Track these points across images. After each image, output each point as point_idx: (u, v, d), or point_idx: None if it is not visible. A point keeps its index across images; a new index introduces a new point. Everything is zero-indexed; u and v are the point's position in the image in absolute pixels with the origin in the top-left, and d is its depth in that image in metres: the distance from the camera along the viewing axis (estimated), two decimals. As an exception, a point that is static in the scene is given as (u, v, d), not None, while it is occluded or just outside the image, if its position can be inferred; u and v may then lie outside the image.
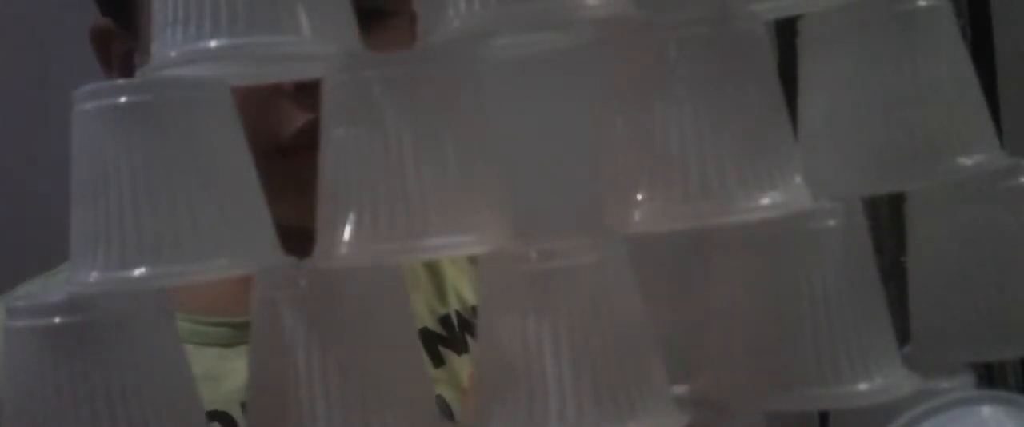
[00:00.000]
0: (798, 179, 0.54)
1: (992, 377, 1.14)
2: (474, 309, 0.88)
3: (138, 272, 0.49)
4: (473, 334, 0.86)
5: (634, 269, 0.53)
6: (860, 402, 0.55)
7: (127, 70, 0.80)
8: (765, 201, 0.52)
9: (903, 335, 0.62)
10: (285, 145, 0.72)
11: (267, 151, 0.64)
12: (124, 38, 0.81)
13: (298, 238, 0.55)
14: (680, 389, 0.58)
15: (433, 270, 0.89)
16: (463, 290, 0.90)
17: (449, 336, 0.87)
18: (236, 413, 0.75)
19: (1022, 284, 0.61)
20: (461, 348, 0.86)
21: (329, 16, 0.52)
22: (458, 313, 0.88)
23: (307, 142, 0.70)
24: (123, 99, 0.50)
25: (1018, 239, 0.61)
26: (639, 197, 0.53)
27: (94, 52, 0.83)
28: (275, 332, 0.53)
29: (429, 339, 0.85)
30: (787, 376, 0.56)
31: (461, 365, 0.85)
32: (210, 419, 0.73)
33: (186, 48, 0.50)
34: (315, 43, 0.51)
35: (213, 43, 0.49)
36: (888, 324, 0.57)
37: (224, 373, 0.75)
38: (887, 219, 1.02)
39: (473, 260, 0.73)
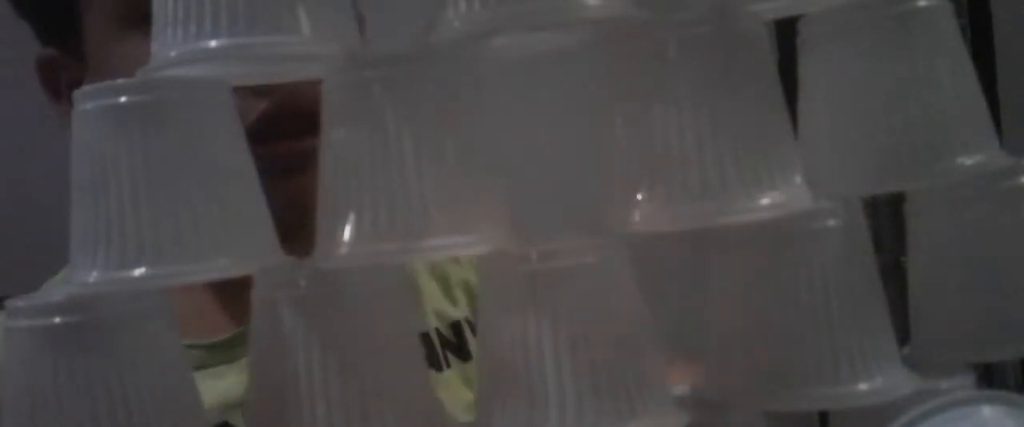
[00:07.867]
0: (798, 179, 0.54)
1: (992, 377, 1.15)
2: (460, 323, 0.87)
3: (138, 272, 0.49)
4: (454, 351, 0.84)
5: (634, 269, 0.53)
6: (860, 402, 0.55)
7: None
8: (765, 201, 0.52)
9: (903, 335, 0.62)
10: (250, 136, 0.68)
11: None
12: (72, 67, 0.78)
13: (283, 229, 0.54)
14: (680, 389, 0.58)
15: (439, 273, 0.86)
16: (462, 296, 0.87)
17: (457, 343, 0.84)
18: None
19: (1022, 284, 0.61)
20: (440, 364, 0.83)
21: (329, 16, 0.52)
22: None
23: (270, 129, 0.68)
24: (123, 99, 0.50)
25: (1018, 239, 0.61)
26: (639, 197, 0.53)
27: (41, 83, 0.80)
28: (275, 332, 0.53)
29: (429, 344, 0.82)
30: (787, 376, 0.56)
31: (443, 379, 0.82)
32: None
33: (186, 48, 0.50)
34: (315, 43, 0.51)
35: (213, 43, 0.50)
36: (888, 324, 0.57)
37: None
38: (887, 219, 1.02)
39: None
